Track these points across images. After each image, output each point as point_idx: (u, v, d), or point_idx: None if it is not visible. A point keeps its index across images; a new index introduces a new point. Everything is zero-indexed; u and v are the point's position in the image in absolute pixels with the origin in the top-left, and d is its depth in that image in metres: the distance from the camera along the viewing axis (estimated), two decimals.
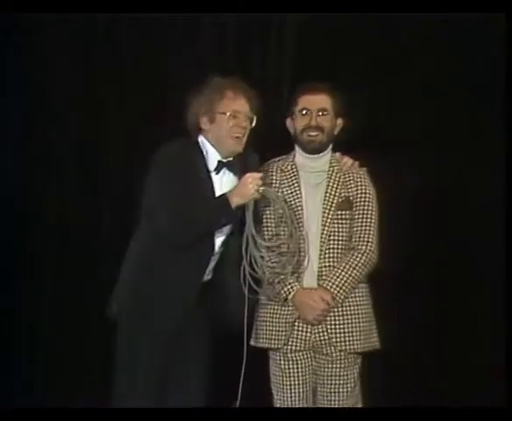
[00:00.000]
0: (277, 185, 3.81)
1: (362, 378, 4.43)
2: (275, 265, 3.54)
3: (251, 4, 6.30)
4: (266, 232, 3.66)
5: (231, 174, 3.65)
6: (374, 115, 6.73)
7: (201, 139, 3.74)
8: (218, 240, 3.61)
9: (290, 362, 3.80)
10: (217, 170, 3.62)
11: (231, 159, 3.65)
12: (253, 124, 3.70)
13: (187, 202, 3.46)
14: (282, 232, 3.62)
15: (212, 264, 3.65)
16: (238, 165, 3.62)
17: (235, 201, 3.49)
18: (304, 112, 3.93)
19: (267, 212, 3.70)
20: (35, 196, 6.96)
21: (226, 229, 3.63)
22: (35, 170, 7.07)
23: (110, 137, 6.95)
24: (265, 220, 3.73)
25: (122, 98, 7.08)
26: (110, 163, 6.79)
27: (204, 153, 3.67)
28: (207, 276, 3.68)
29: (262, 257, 3.48)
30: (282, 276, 3.62)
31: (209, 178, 3.61)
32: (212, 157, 3.68)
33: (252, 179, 3.52)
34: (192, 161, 3.58)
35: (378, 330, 4.41)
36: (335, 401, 3.88)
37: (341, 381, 3.86)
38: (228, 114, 3.63)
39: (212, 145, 3.66)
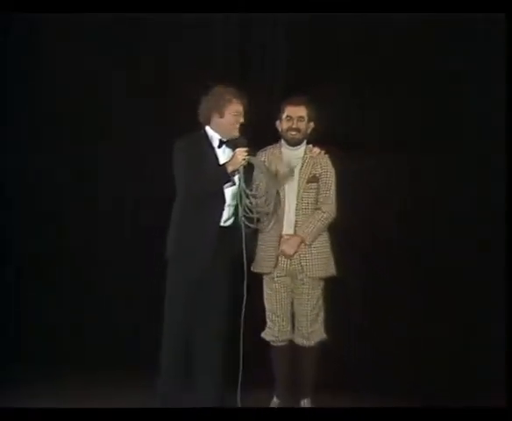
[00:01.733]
0: (267, 164, 5.37)
1: (366, 380, 5.96)
2: (259, 207, 5.16)
3: (251, 4, 6.30)
4: (252, 187, 5.22)
5: (230, 150, 5.20)
6: (374, 114, 6.77)
7: (207, 128, 5.26)
8: (228, 194, 5.15)
9: (276, 284, 5.40)
10: (219, 146, 5.21)
11: (229, 139, 5.23)
12: (243, 119, 5.26)
13: (199, 170, 5.07)
14: (262, 185, 5.25)
15: (227, 212, 5.17)
16: (233, 143, 5.19)
17: (230, 168, 5.07)
18: (288, 118, 5.42)
19: (253, 174, 5.28)
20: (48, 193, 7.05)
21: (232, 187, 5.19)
22: (43, 170, 7.14)
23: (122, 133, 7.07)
24: (252, 179, 5.28)
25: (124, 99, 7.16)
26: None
27: (210, 137, 5.23)
28: (226, 222, 5.18)
29: (251, 203, 5.13)
30: (266, 215, 5.24)
31: (214, 152, 5.20)
32: (215, 138, 5.23)
33: (240, 152, 5.10)
34: (201, 144, 5.19)
35: (380, 330, 6.17)
36: (305, 310, 5.39)
37: (309, 297, 5.38)
38: (234, 113, 5.21)
39: (215, 131, 5.23)
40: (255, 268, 5.42)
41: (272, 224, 5.31)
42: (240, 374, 5.10)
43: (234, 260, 5.20)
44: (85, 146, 7.09)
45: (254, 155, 5.22)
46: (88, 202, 7.00)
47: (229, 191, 5.15)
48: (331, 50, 6.77)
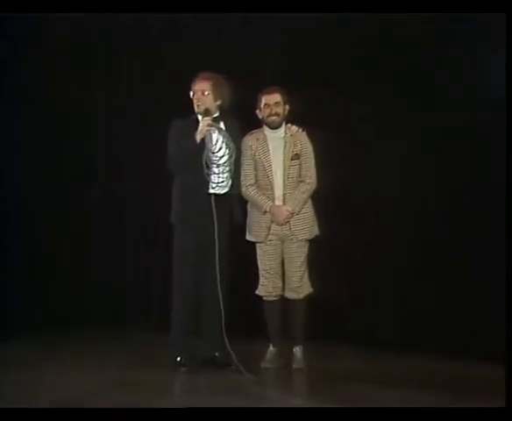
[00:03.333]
0: (254, 148, 6.07)
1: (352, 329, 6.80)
2: (221, 163, 5.88)
3: (251, 4, 6.33)
4: (215, 147, 5.92)
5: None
6: (377, 114, 6.80)
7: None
8: (210, 162, 5.85)
9: (269, 247, 6.06)
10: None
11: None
12: (213, 95, 5.95)
13: (181, 143, 5.84)
14: (224, 146, 5.94)
15: (216, 179, 5.86)
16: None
17: (198, 136, 5.84)
18: (266, 106, 6.05)
19: (213, 137, 5.94)
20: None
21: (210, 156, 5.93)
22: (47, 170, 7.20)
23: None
24: (216, 143, 5.96)
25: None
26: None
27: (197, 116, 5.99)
28: (218, 190, 5.86)
29: (215, 159, 5.86)
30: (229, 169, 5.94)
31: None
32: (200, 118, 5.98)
33: (205, 120, 5.86)
34: (186, 124, 5.93)
35: (363, 281, 6.88)
36: (294, 268, 6.04)
37: (297, 256, 6.05)
38: (196, 91, 5.95)
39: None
40: (250, 237, 6.11)
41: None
42: (223, 322, 5.74)
43: (232, 224, 5.90)
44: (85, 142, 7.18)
45: (217, 123, 5.92)
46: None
47: (210, 159, 5.86)
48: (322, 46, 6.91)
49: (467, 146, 6.54)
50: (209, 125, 5.84)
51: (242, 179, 6.04)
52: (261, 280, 6.10)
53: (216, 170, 5.86)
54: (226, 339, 5.72)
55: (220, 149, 5.90)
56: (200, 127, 5.85)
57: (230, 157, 5.91)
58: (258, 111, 6.11)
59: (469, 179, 6.54)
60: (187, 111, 6.00)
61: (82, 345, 6.56)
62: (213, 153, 5.87)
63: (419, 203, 6.75)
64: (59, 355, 6.14)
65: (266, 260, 6.07)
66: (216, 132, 5.89)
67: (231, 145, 5.90)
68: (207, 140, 5.85)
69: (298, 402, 5.16)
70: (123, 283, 7.49)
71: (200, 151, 5.82)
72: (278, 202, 6.04)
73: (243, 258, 6.06)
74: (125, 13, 6.58)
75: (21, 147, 7.07)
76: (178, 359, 5.73)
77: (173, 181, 5.93)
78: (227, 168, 5.92)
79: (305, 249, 6.09)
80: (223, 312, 5.75)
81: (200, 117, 5.93)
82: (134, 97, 7.45)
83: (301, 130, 6.13)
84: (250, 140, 6.10)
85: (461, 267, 6.57)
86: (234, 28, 7.23)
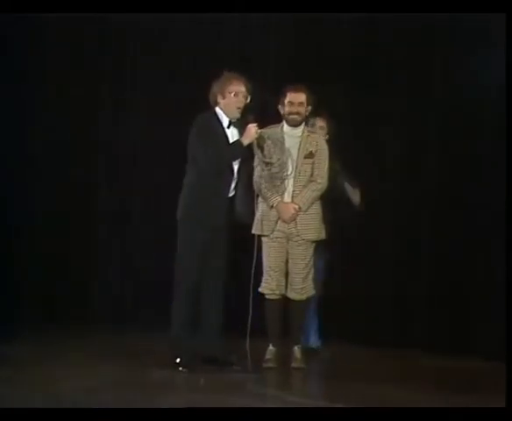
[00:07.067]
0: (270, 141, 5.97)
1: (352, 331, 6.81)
2: (272, 172, 5.84)
3: (251, 4, 6.35)
4: (265, 155, 5.87)
5: (236, 129, 5.78)
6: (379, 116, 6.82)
7: (217, 109, 5.79)
8: (235, 168, 5.77)
9: (275, 244, 5.99)
10: (228, 126, 5.76)
11: (235, 120, 5.79)
12: (248, 100, 5.75)
13: (213, 146, 5.65)
14: (273, 155, 5.86)
15: (233, 184, 5.77)
16: (242, 123, 5.75)
17: (245, 141, 5.69)
18: (290, 104, 5.98)
19: (265, 146, 5.89)
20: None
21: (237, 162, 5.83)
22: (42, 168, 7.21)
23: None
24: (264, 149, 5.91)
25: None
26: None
27: (220, 117, 5.77)
28: (231, 193, 5.78)
29: (269, 170, 5.80)
30: (278, 179, 5.91)
31: (224, 131, 5.76)
32: (225, 119, 5.77)
33: (253, 127, 5.68)
34: (213, 123, 5.75)
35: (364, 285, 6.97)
36: (299, 268, 5.99)
37: (302, 257, 5.99)
38: (233, 94, 5.70)
39: (224, 112, 5.77)
40: (256, 231, 6.02)
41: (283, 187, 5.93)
42: (249, 322, 5.72)
43: (235, 225, 5.87)
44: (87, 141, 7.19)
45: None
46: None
47: (236, 166, 5.77)
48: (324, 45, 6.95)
49: (467, 146, 6.55)
50: (256, 133, 5.68)
51: (254, 171, 5.94)
52: (265, 277, 6.01)
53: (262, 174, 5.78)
54: (248, 340, 5.71)
55: (272, 157, 5.80)
56: (249, 132, 5.68)
57: (285, 171, 5.84)
58: (280, 107, 6.02)
59: (469, 179, 6.55)
60: (184, 111, 5.97)
61: (82, 345, 6.55)
62: (267, 160, 5.78)
63: (419, 203, 6.77)
64: (59, 355, 6.14)
65: (271, 258, 5.98)
66: (268, 141, 5.79)
67: (289, 160, 5.83)
68: (255, 146, 5.75)
69: (298, 401, 5.14)
70: (123, 283, 7.49)
71: (240, 154, 5.72)
72: (287, 198, 5.95)
73: (243, 256, 5.99)
74: (126, 13, 6.59)
75: (23, 146, 7.08)
76: (178, 359, 5.65)
77: (183, 179, 5.80)
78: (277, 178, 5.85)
79: (310, 251, 6.01)
80: (250, 312, 5.75)
81: (223, 116, 5.76)
82: (134, 98, 7.45)
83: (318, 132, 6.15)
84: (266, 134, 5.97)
85: (461, 267, 6.59)
86: (234, 28, 7.24)
